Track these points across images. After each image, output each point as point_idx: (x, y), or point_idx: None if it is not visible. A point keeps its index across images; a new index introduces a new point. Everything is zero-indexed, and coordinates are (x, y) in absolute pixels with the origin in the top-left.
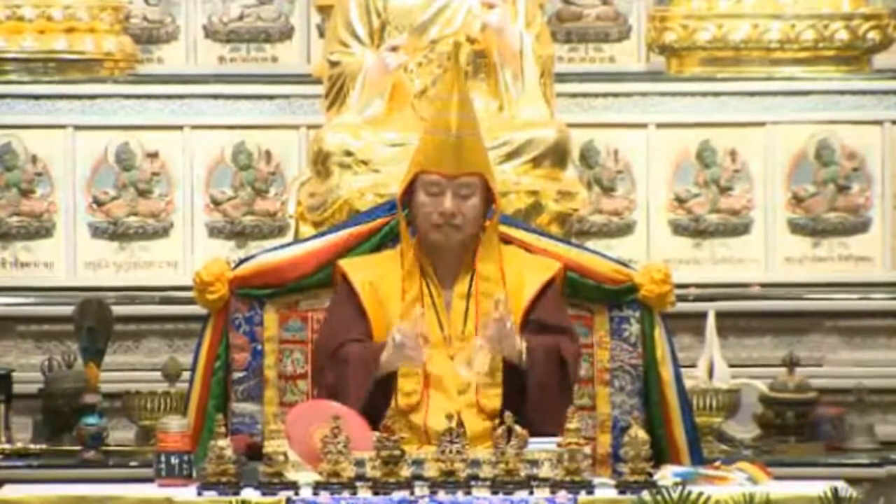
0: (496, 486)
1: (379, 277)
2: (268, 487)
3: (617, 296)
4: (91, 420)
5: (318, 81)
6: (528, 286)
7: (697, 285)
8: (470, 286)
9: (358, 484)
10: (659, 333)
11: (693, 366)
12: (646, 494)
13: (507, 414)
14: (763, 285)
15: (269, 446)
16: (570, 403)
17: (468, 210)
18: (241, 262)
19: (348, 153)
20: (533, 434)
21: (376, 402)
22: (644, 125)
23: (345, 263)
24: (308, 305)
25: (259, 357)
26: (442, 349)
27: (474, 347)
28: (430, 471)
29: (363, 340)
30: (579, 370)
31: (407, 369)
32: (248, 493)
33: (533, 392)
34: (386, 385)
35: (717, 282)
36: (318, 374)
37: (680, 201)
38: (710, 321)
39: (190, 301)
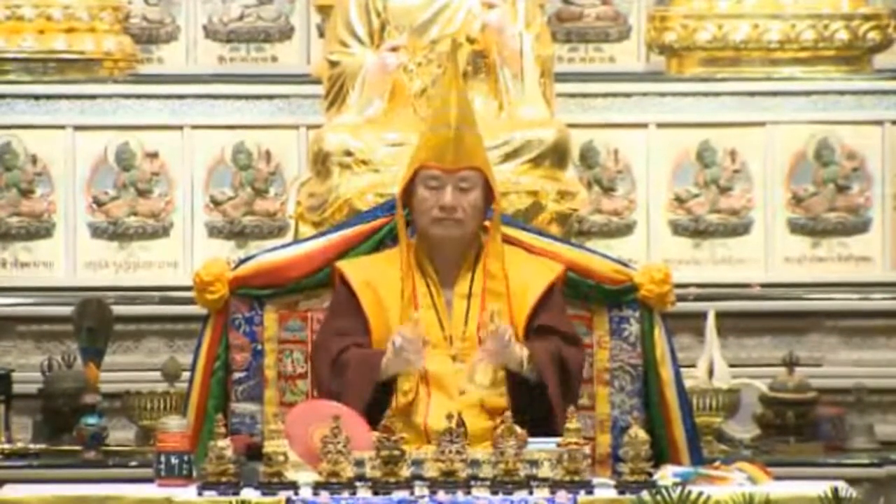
0: (496, 486)
1: (378, 278)
2: (268, 487)
3: (617, 296)
4: (91, 420)
5: (318, 81)
6: (531, 289)
7: (697, 285)
8: (471, 286)
9: (358, 484)
10: (659, 333)
11: (693, 366)
12: (646, 494)
13: (507, 414)
14: (763, 285)
15: (269, 446)
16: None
17: (468, 204)
18: (241, 262)
19: (348, 153)
20: (534, 433)
21: (377, 406)
22: (644, 125)
23: (343, 265)
24: (308, 305)
25: (259, 357)
26: (443, 349)
27: (475, 361)
28: (430, 471)
29: (363, 344)
30: (583, 378)
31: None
32: (248, 493)
33: (537, 396)
34: (387, 391)
35: (717, 282)
36: (317, 377)
37: (680, 201)
38: (710, 321)
39: (190, 301)
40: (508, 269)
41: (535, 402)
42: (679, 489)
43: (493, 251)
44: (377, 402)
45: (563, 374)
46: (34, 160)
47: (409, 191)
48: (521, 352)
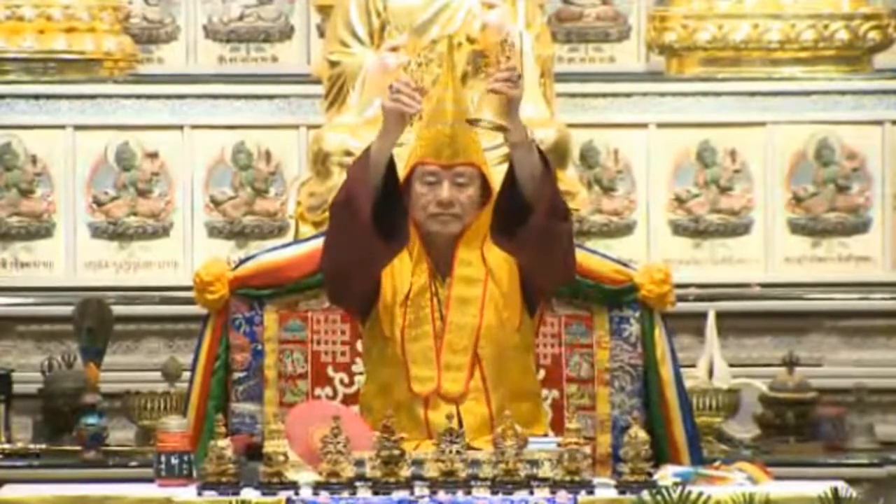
0: (496, 486)
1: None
2: (268, 487)
3: (617, 296)
4: (91, 420)
5: (318, 81)
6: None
7: (697, 285)
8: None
9: (358, 484)
10: (659, 333)
11: (693, 366)
12: (646, 494)
13: (507, 413)
14: (763, 285)
15: (269, 446)
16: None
17: (465, 199)
18: (242, 262)
19: (348, 153)
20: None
21: (388, 205)
22: (644, 125)
23: None
24: (308, 305)
25: (259, 357)
26: (441, 340)
27: (483, 94)
28: (430, 471)
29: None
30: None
31: (423, 356)
32: (248, 493)
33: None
34: (391, 186)
35: (717, 282)
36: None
37: (680, 201)
38: (710, 321)
39: (190, 301)
40: (490, 252)
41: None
42: (679, 489)
43: (468, 240)
44: (388, 200)
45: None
46: (34, 160)
47: (406, 187)
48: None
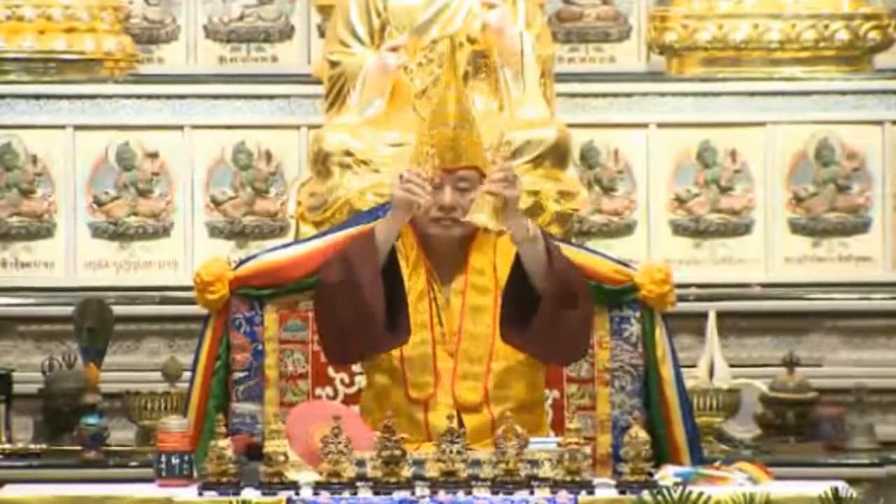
0: (496, 486)
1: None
2: (268, 487)
3: (617, 296)
4: (91, 420)
5: (318, 81)
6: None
7: (698, 285)
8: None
9: (358, 484)
10: (659, 333)
11: (693, 366)
12: (646, 494)
13: (508, 415)
14: (763, 285)
15: (270, 446)
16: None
17: (467, 203)
18: (242, 262)
19: (348, 153)
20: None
21: (389, 274)
22: (644, 125)
23: None
24: (308, 305)
25: (259, 357)
26: (440, 345)
27: (480, 196)
28: (431, 471)
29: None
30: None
31: (420, 363)
32: (249, 493)
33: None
34: (392, 271)
35: (717, 282)
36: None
37: (680, 201)
38: (711, 321)
39: (190, 301)
40: (501, 258)
41: (521, 304)
42: (679, 489)
43: (479, 247)
44: (387, 268)
45: (571, 279)
46: (34, 160)
47: None
48: (529, 223)
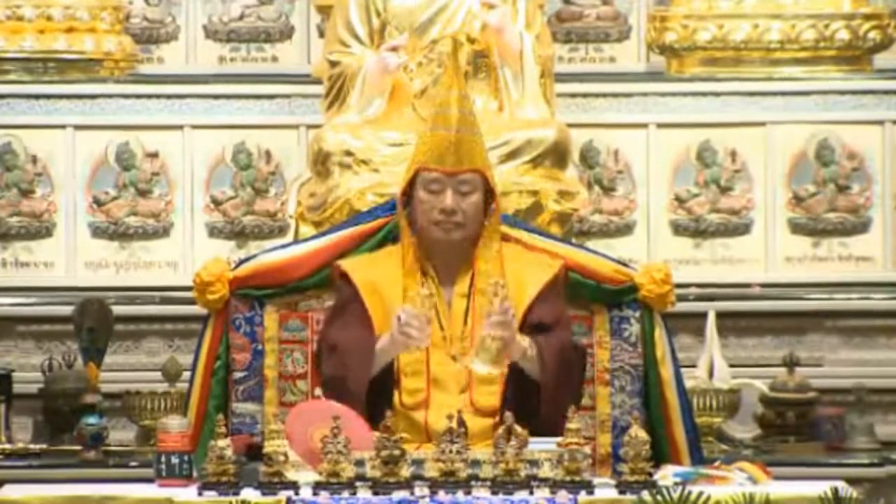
0: (496, 486)
1: (379, 276)
2: (268, 487)
3: (617, 296)
4: (91, 420)
5: (318, 81)
6: (529, 286)
7: (698, 285)
8: (470, 285)
9: (358, 484)
10: (659, 333)
11: (693, 366)
12: (646, 494)
13: (507, 414)
14: (763, 285)
15: (269, 446)
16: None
17: (469, 207)
18: (242, 262)
19: (348, 153)
20: (545, 432)
21: (378, 391)
22: (644, 125)
23: (345, 263)
24: (308, 305)
25: (259, 357)
26: (442, 348)
27: (480, 341)
28: (430, 471)
29: (367, 341)
30: (583, 378)
31: (412, 368)
32: (248, 493)
33: (547, 390)
34: (386, 377)
35: (717, 282)
36: (320, 371)
37: (680, 201)
38: (711, 321)
39: (190, 301)
40: (507, 265)
41: (526, 396)
42: (679, 489)
43: (486, 251)
44: (378, 387)
45: (565, 374)
46: (34, 160)
47: (409, 191)
48: (523, 341)
